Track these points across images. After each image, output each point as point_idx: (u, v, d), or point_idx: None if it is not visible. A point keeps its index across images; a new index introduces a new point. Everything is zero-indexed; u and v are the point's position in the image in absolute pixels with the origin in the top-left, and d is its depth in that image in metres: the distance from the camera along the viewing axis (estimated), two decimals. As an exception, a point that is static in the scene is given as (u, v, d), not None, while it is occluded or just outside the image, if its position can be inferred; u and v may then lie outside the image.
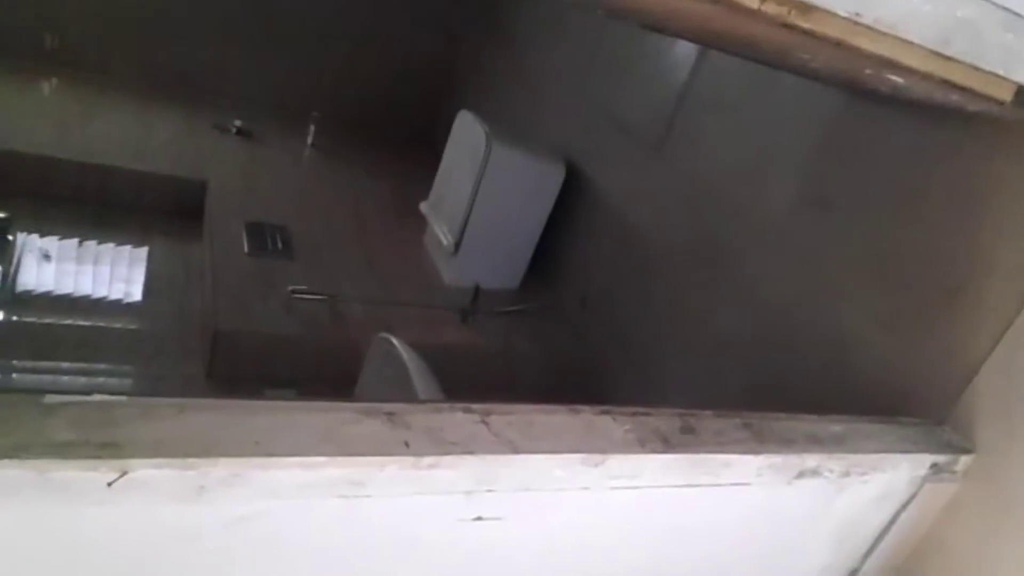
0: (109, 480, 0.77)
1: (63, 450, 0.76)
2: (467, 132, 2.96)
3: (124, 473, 0.77)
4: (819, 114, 2.03)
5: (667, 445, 1.12)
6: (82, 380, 2.26)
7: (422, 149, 4.38)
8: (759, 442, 1.21)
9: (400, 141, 4.42)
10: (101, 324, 2.55)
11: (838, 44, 0.94)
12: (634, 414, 1.17)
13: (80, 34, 3.77)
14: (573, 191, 3.00)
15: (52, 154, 2.99)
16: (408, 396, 1.88)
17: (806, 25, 0.92)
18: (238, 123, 3.73)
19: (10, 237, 2.64)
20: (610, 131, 2.91)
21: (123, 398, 0.83)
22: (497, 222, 2.93)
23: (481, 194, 2.83)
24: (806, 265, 1.99)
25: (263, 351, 2.34)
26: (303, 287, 2.50)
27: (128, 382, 2.26)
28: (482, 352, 2.68)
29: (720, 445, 1.17)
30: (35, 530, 0.78)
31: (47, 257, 2.69)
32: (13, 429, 0.76)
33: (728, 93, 2.37)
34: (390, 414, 0.95)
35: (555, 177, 2.95)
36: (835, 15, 0.86)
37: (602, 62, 3.05)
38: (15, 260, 2.62)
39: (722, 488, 1.21)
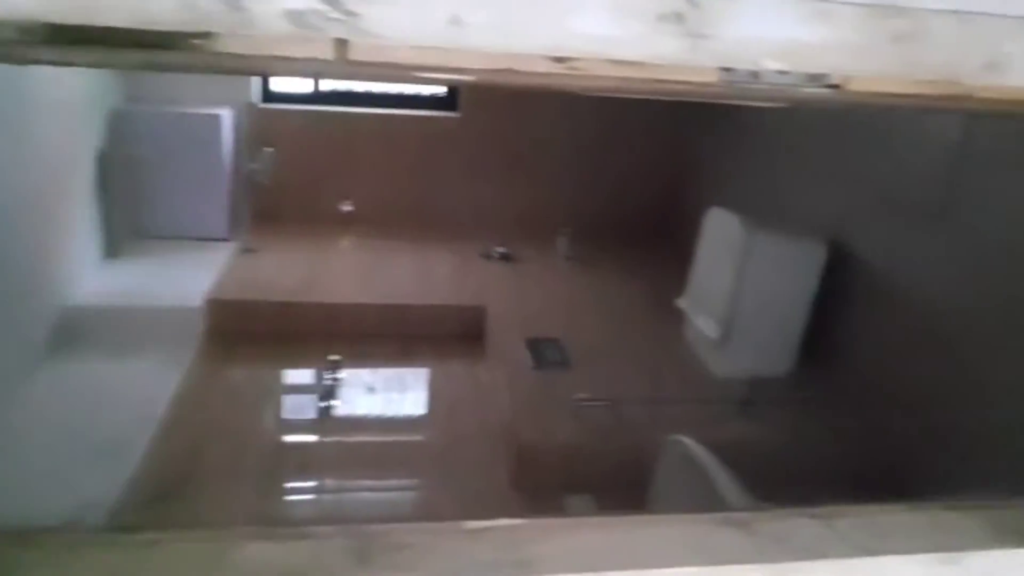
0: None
1: (490, 569, 0.94)
2: (720, 227, 3.04)
3: (538, 586, 0.93)
4: None
5: (1026, 538, 1.07)
6: (407, 495, 2.60)
7: (666, 245, 4.52)
8: None
9: (643, 240, 4.59)
10: (415, 441, 2.92)
11: None
12: (980, 507, 1.14)
13: (367, 195, 4.47)
14: (841, 269, 2.93)
15: (360, 301, 3.54)
16: (711, 498, 1.93)
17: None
18: (500, 249, 4.14)
19: (340, 375, 3.14)
20: (876, 202, 2.83)
21: (523, 521, 1.01)
22: (762, 309, 2.93)
23: (743, 284, 2.86)
24: None
25: (560, 460, 2.52)
26: (586, 395, 2.67)
27: (450, 494, 2.55)
28: (768, 445, 2.64)
29: (1090, 534, 1.09)
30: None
31: (371, 389, 3.15)
32: (449, 553, 0.96)
33: (1017, 145, 2.23)
34: (742, 523, 1.03)
35: (817, 258, 2.90)
36: None
37: (855, 132, 3.01)
38: (345, 393, 3.09)
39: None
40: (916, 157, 2.61)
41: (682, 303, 3.29)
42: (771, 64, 0.65)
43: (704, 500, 1.97)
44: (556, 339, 3.19)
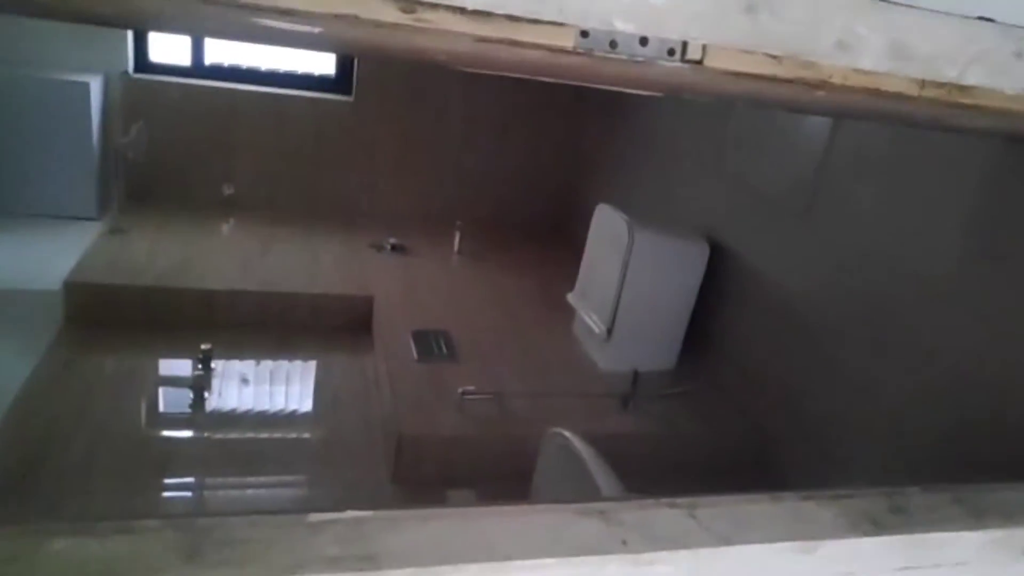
0: (372, 588, 0.87)
1: (333, 564, 0.87)
2: (607, 223, 3.06)
3: (384, 582, 0.87)
4: (976, 164, 1.97)
5: (878, 527, 1.10)
6: (287, 492, 2.47)
7: (559, 241, 4.54)
8: (976, 517, 1.16)
9: (537, 236, 4.61)
10: (293, 436, 2.79)
11: (1005, 113, 0.95)
12: (837, 496, 1.16)
13: (251, 179, 4.26)
14: (720, 266, 3.01)
15: (240, 288, 3.36)
16: (588, 489, 1.92)
17: (969, 101, 0.95)
18: (392, 240, 4.04)
19: (213, 366, 2.96)
20: (751, 203, 2.92)
21: (371, 513, 0.94)
22: (647, 306, 2.98)
23: (629, 280, 2.89)
24: (986, 320, 1.90)
25: (442, 453, 2.47)
26: (471, 387, 2.63)
27: (326, 490, 2.44)
28: (647, 437, 2.68)
29: (933, 523, 1.14)
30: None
31: (245, 381, 2.99)
32: (288, 548, 0.88)
33: (873, 153, 2.34)
34: (603, 512, 1.01)
35: (699, 255, 2.98)
36: (1001, 93, 0.88)
37: (733, 136, 3.10)
38: (218, 385, 2.93)
39: (942, 569, 1.16)
40: (788, 159, 2.72)
41: (571, 298, 3.30)
42: (622, 25, 0.62)
43: (581, 491, 1.96)
44: (444, 331, 3.13)
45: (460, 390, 2.60)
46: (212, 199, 4.21)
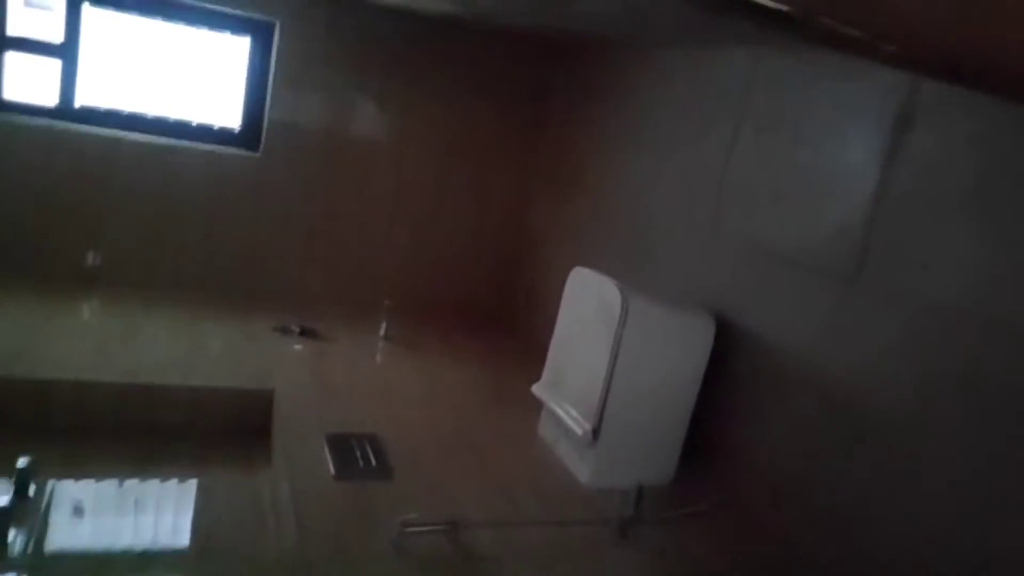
0: None
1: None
2: (588, 292, 2.41)
3: None
4: None
5: None
6: None
7: (506, 325, 3.87)
8: None
9: (480, 319, 3.92)
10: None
11: None
12: None
13: (124, 246, 3.43)
14: (729, 348, 2.39)
15: (89, 378, 2.48)
16: None
17: None
18: (302, 323, 3.25)
19: (32, 487, 2.06)
20: (771, 268, 2.34)
21: None
22: (644, 397, 2.30)
23: (620, 364, 2.22)
24: None
25: (373, 621, 1.64)
26: (413, 516, 1.83)
27: None
28: (660, 580, 1.93)
29: None
30: None
31: (79, 511, 2.08)
32: None
33: (954, 183, 1.80)
34: None
35: (704, 333, 2.35)
36: None
37: (739, 184, 2.55)
38: (40, 516, 2.01)
39: None
40: (820, 209, 2.17)
41: (539, 391, 2.58)
42: None
43: None
44: (372, 436, 2.34)
45: (399, 520, 1.80)
46: (71, 270, 3.34)
